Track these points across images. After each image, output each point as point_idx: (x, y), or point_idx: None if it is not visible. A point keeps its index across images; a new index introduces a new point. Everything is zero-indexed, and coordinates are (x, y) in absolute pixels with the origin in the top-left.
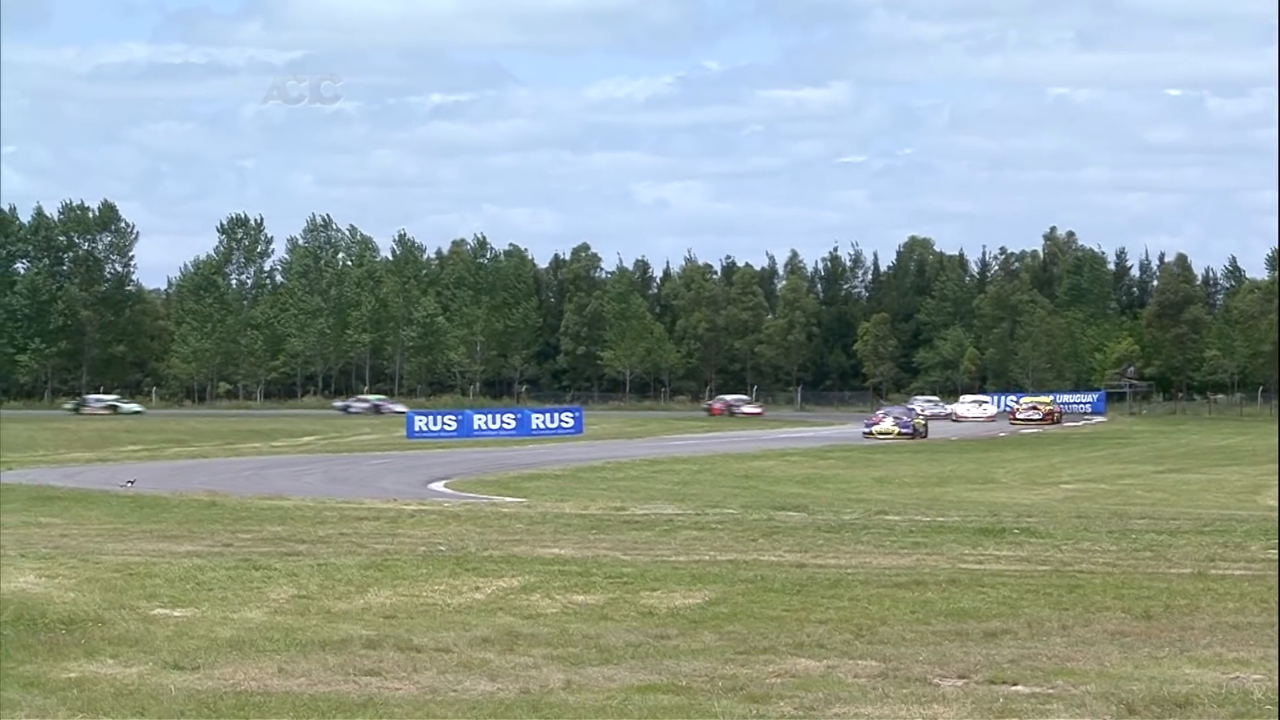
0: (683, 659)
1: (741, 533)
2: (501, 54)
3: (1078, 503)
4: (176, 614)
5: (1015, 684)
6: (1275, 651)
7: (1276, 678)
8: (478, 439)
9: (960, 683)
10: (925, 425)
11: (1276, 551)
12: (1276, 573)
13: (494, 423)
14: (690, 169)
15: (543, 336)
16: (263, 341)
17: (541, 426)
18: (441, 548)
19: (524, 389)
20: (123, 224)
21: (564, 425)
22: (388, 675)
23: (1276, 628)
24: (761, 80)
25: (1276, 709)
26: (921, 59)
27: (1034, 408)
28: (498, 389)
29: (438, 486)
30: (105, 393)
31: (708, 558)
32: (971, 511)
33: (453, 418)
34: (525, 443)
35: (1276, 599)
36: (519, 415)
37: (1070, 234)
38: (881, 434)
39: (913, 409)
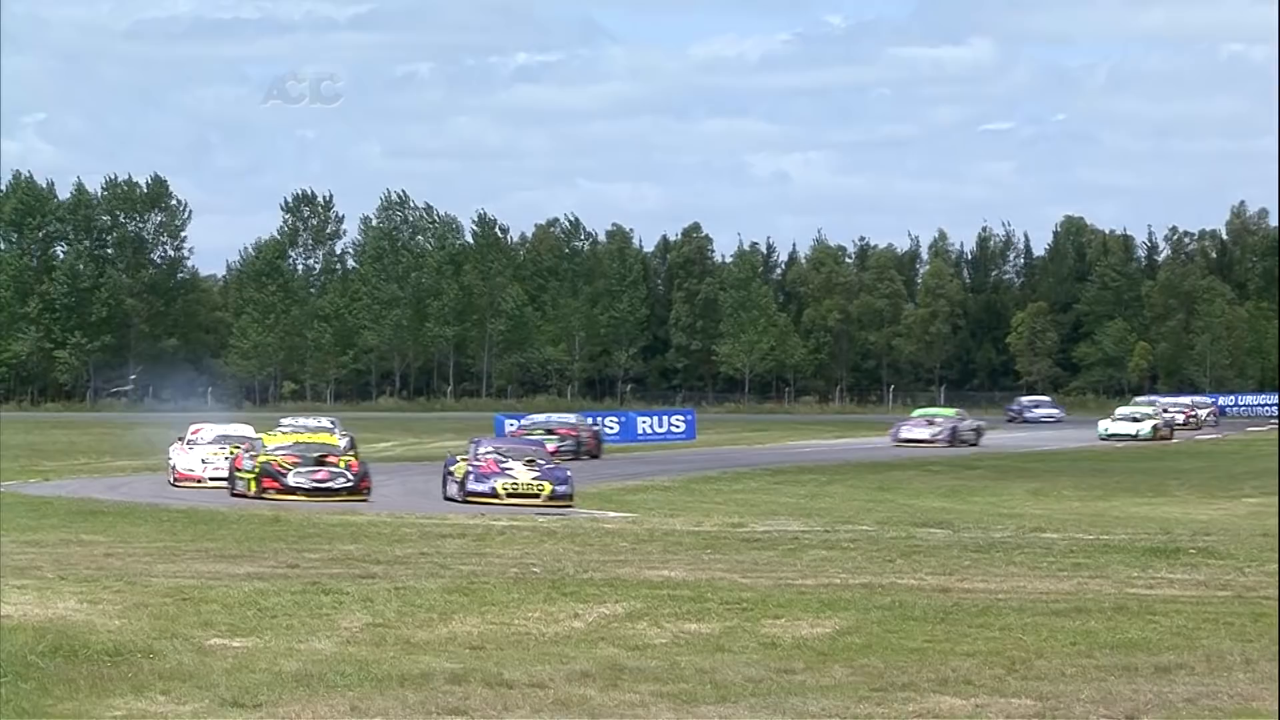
0: (810, 696)
1: (876, 553)
2: (595, 8)
3: (1263, 519)
4: (235, 644)
5: None
6: None
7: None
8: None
9: None
10: (362, 472)
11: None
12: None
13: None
14: (812, 138)
15: (649, 330)
16: (332, 335)
17: (648, 431)
18: (535, 569)
19: (628, 389)
20: (174, 202)
21: (674, 430)
22: (475, 714)
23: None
24: (891, 37)
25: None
26: (1074, 12)
27: (929, 422)
28: (599, 389)
29: None
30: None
31: (838, 581)
32: (1141, 528)
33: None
34: (630, 449)
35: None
36: (623, 419)
37: (1262, 211)
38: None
39: (339, 440)
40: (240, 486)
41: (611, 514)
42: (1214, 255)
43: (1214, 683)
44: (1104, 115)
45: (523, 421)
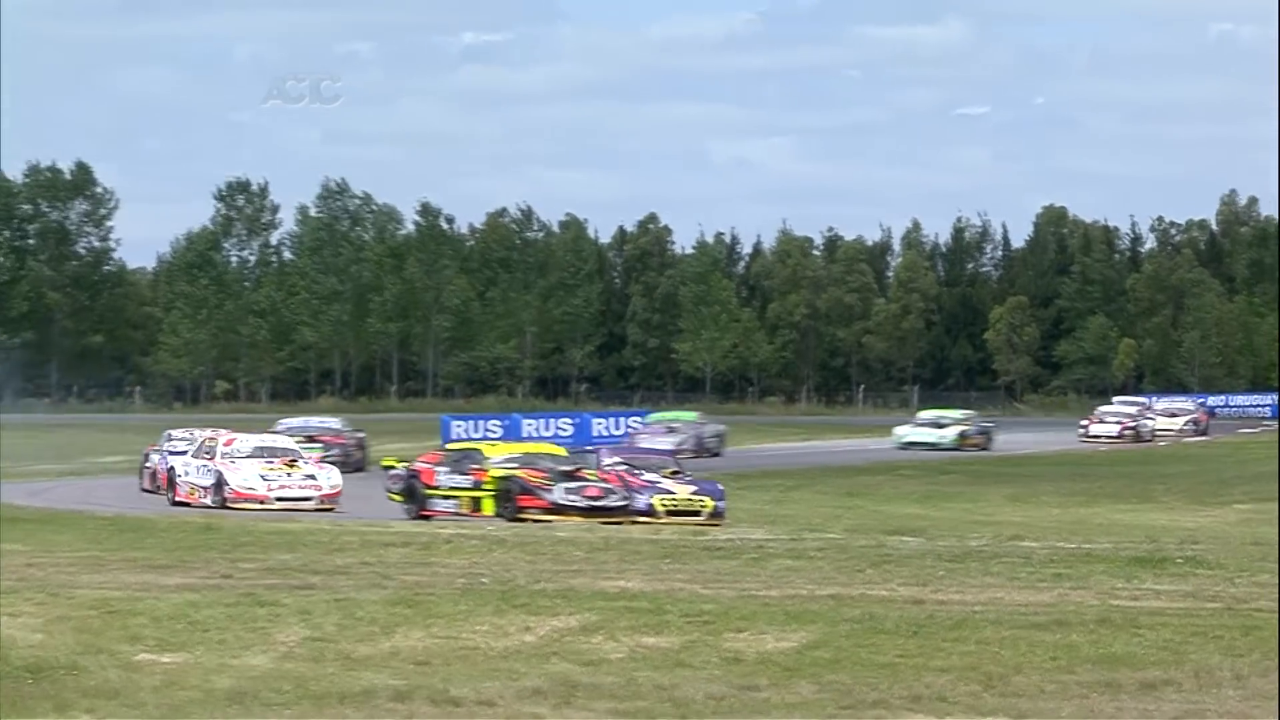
0: (775, 715)
1: (846, 562)
2: None
3: (1255, 526)
4: (165, 660)
5: None
6: None
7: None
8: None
9: None
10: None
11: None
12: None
13: (547, 429)
14: (776, 123)
15: (605, 326)
16: (268, 331)
17: (604, 433)
18: (484, 580)
19: (583, 389)
20: (99, 190)
21: (632, 432)
22: None
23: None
24: (860, 15)
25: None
26: None
27: (669, 429)
28: (552, 389)
29: None
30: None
31: (805, 592)
32: (1125, 537)
33: (498, 423)
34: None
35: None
36: (577, 420)
37: (1252, 200)
38: None
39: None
40: (447, 506)
41: (564, 520)
42: (1203, 247)
43: (1203, 700)
44: (1086, 99)
45: (278, 426)
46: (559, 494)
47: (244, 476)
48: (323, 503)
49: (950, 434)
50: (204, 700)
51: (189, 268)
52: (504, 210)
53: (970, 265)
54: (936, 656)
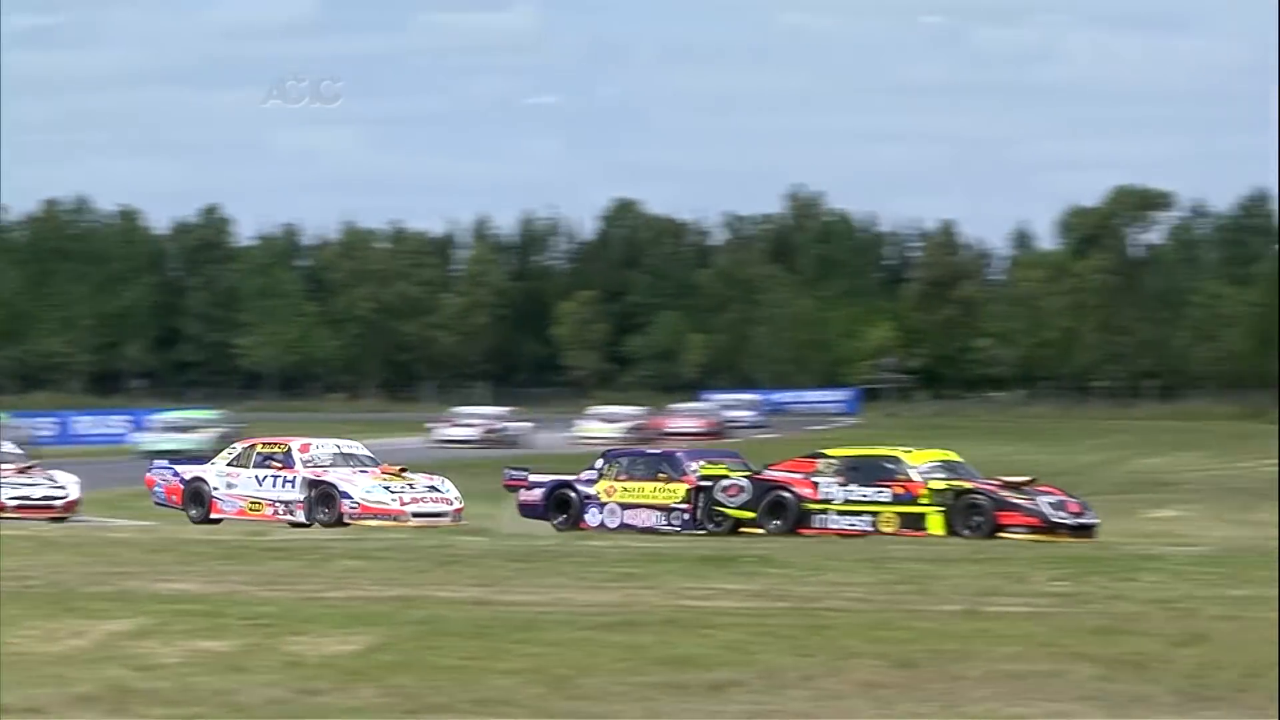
0: (336, 719)
1: (410, 562)
2: None
3: None
4: None
5: None
6: (1050, 706)
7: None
8: (81, 446)
9: None
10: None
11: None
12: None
13: (101, 426)
14: (339, 112)
15: (164, 320)
16: None
17: None
18: (33, 582)
19: (139, 385)
20: None
21: None
22: None
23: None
24: (425, 1)
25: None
26: None
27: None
28: (107, 385)
29: None
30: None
31: (369, 594)
32: (694, 535)
33: (49, 421)
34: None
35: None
36: (132, 417)
37: (819, 195)
38: None
39: None
40: (851, 523)
41: (119, 521)
42: (772, 241)
43: (771, 700)
44: (655, 90)
45: None
46: (1048, 509)
47: (365, 489)
48: (455, 518)
49: (208, 437)
50: None
51: None
52: (57, 200)
53: (539, 259)
54: (503, 659)
